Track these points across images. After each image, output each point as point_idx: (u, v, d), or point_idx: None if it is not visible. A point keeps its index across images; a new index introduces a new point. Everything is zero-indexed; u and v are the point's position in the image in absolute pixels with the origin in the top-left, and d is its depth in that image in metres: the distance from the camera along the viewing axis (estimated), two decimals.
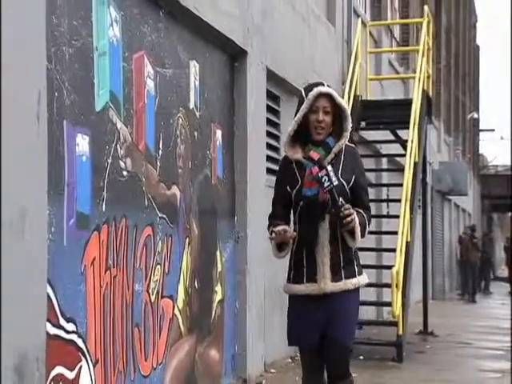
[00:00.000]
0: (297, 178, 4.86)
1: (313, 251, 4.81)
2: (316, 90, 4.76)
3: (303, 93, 4.85)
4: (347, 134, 4.85)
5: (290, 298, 5.01)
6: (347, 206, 4.68)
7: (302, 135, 4.87)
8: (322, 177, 4.62)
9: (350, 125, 4.85)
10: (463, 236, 27.59)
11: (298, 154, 4.88)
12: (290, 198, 4.89)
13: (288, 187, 4.89)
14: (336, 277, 4.80)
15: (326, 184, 4.61)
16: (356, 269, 4.94)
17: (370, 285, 12.77)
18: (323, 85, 4.84)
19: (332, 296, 4.80)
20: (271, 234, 4.83)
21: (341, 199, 4.68)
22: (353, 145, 5.11)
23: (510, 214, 52.41)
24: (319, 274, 4.79)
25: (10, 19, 4.48)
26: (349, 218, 4.66)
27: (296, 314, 4.94)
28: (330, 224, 4.79)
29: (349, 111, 4.91)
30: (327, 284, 4.78)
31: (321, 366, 4.96)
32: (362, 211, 4.88)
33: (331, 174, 4.61)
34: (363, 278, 4.97)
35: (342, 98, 12.21)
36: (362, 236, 4.86)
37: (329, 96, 4.78)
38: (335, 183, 4.62)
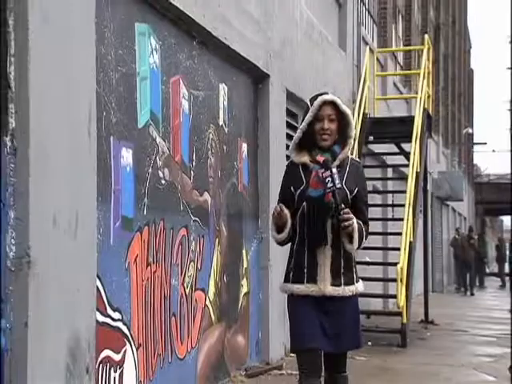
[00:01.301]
0: (302, 180, 4.42)
1: (314, 253, 4.37)
2: (320, 99, 4.37)
3: (309, 102, 4.47)
4: (351, 141, 4.47)
5: (289, 301, 4.50)
6: (347, 210, 4.26)
7: (308, 143, 4.46)
8: (326, 177, 4.24)
9: (353, 131, 4.45)
10: (457, 237, 27.39)
11: (304, 157, 4.46)
12: (293, 199, 4.42)
13: (292, 188, 4.43)
14: (336, 281, 4.35)
15: (329, 185, 4.22)
16: (355, 276, 4.47)
17: (377, 279, 12.87)
18: (327, 94, 4.45)
19: (332, 301, 4.35)
20: (273, 212, 4.39)
21: (342, 205, 4.26)
22: (358, 159, 4.77)
23: (500, 217, 52.03)
24: (320, 276, 4.34)
25: (69, 51, 4.53)
26: (346, 223, 4.24)
27: (298, 316, 4.43)
28: (333, 228, 4.34)
29: (352, 117, 4.49)
30: (327, 287, 4.33)
31: (319, 369, 4.40)
32: (361, 222, 4.40)
33: (335, 176, 4.22)
34: (360, 286, 4.48)
35: (353, 115, 12.23)
36: (359, 245, 4.39)
37: (333, 104, 4.38)
38: (338, 186, 4.21)
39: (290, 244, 4.58)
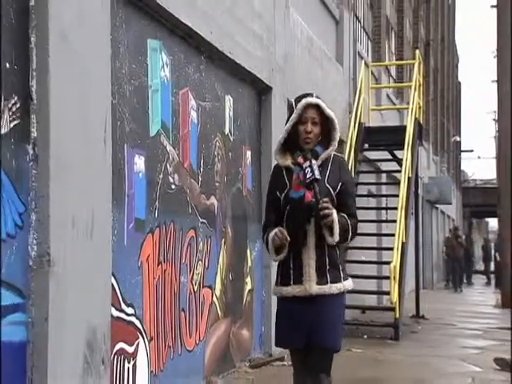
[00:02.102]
0: (286, 183, 4.10)
1: (299, 254, 4.04)
2: (304, 101, 4.06)
3: (293, 103, 4.13)
4: (335, 143, 4.12)
5: (278, 302, 4.25)
6: (326, 199, 3.91)
7: (292, 144, 4.13)
8: (305, 168, 3.91)
9: (337, 134, 4.12)
10: (450, 237, 27.35)
11: (287, 161, 4.13)
12: (280, 203, 4.13)
13: (278, 192, 4.13)
14: (321, 280, 4.02)
15: (308, 175, 3.89)
16: (341, 274, 4.10)
17: (372, 277, 12.87)
18: (312, 96, 4.11)
19: (317, 299, 4.02)
20: (273, 237, 4.04)
21: (319, 196, 3.91)
22: (341, 154, 4.37)
23: (486, 219, 52.02)
24: (305, 276, 4.02)
25: (87, 65, 4.54)
26: (326, 211, 3.88)
27: (283, 316, 4.15)
28: (316, 228, 4.00)
29: (336, 121, 4.14)
30: (312, 286, 4.01)
31: (308, 367, 4.13)
32: (345, 216, 4.05)
33: (314, 167, 3.90)
34: (348, 284, 4.14)
35: (349, 125, 12.24)
36: (342, 239, 4.04)
37: (317, 107, 4.06)
38: (317, 177, 3.88)
39: None
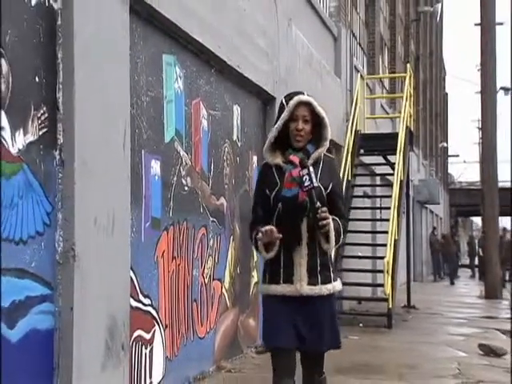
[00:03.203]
0: (276, 181, 3.67)
1: (290, 253, 3.63)
2: (296, 99, 3.65)
3: (283, 100, 3.71)
4: (326, 143, 3.73)
5: (265, 300, 3.75)
6: (324, 208, 3.55)
7: (282, 142, 3.72)
8: (304, 176, 3.53)
9: (329, 133, 3.74)
10: (446, 234, 27.09)
11: (277, 159, 3.71)
12: (269, 201, 3.69)
13: (267, 190, 3.69)
14: (312, 280, 3.62)
15: (306, 183, 3.52)
16: (332, 275, 3.71)
17: (367, 270, 12.85)
18: (303, 94, 3.72)
19: (308, 300, 3.61)
20: (257, 235, 3.64)
21: (318, 203, 3.54)
22: (331, 155, 3.92)
23: (470, 218, 51.92)
24: (296, 276, 3.60)
25: (108, 78, 4.55)
26: (324, 222, 3.54)
27: (273, 315, 3.67)
28: (308, 227, 3.61)
29: (327, 120, 3.75)
30: (303, 286, 3.60)
31: (293, 370, 3.65)
32: (337, 219, 3.68)
33: (312, 174, 3.54)
34: (338, 284, 3.74)
35: (346, 132, 12.24)
36: (337, 242, 3.68)
37: (308, 105, 3.68)
38: (316, 184, 3.53)
39: None
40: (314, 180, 3.54)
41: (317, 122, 3.73)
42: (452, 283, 24.24)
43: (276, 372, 3.64)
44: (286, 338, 3.59)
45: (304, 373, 3.73)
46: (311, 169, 3.57)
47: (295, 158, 3.63)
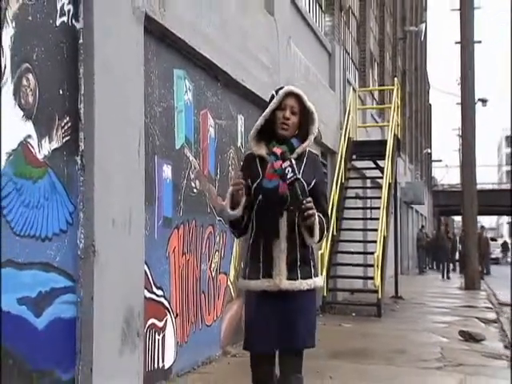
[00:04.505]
0: (258, 172, 3.30)
1: (270, 246, 3.22)
2: (286, 88, 3.33)
3: (274, 92, 3.39)
4: (312, 138, 3.34)
5: (246, 297, 3.42)
6: (309, 199, 3.15)
7: (268, 133, 3.34)
8: (286, 167, 3.16)
9: (315, 128, 3.35)
10: (439, 232, 26.88)
11: (261, 150, 3.33)
12: (250, 192, 3.30)
13: (249, 181, 3.30)
14: (292, 275, 3.21)
15: (289, 175, 3.14)
16: (312, 270, 3.30)
17: (359, 265, 12.84)
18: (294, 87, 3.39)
19: (288, 295, 3.20)
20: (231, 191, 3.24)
21: (300, 196, 3.14)
22: (316, 152, 3.54)
23: (452, 217, 51.93)
24: (275, 270, 3.20)
25: (124, 90, 4.56)
26: (310, 212, 3.13)
27: (253, 318, 3.29)
28: (288, 220, 3.21)
29: (316, 115, 3.37)
30: (282, 281, 3.19)
31: (272, 374, 3.31)
32: (320, 215, 3.26)
33: (295, 166, 3.17)
34: (319, 280, 3.32)
35: (340, 139, 12.23)
36: (320, 238, 3.27)
37: (298, 97, 3.32)
38: (299, 176, 3.17)
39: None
40: (297, 172, 3.18)
41: (305, 118, 3.36)
42: (448, 277, 23.41)
43: (255, 377, 3.30)
44: (267, 345, 3.22)
45: (281, 372, 3.29)
46: (293, 161, 3.19)
47: (278, 150, 3.26)
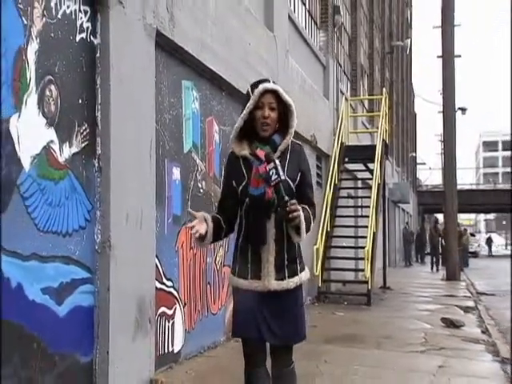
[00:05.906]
0: (243, 175, 2.97)
1: (258, 249, 2.97)
2: (262, 87, 2.95)
3: (249, 89, 3.00)
4: (292, 131, 3.00)
5: (234, 291, 3.12)
6: (293, 201, 2.84)
7: (249, 132, 3.00)
8: (270, 169, 2.83)
9: (295, 121, 3.03)
10: (432, 229, 26.72)
11: (244, 151, 2.99)
12: (237, 194, 2.99)
13: (234, 182, 3.00)
14: (280, 275, 2.96)
15: (273, 177, 2.82)
16: (298, 267, 3.05)
17: (350, 258, 12.84)
18: (269, 81, 3.03)
19: (275, 294, 2.96)
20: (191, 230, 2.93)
21: (286, 197, 2.83)
22: (299, 142, 3.13)
23: (435, 214, 51.94)
24: (264, 272, 2.95)
25: (137, 100, 4.56)
26: (295, 213, 2.83)
27: (242, 308, 3.05)
28: (276, 223, 2.93)
29: (294, 107, 3.04)
30: (271, 282, 2.94)
31: (263, 360, 3.08)
32: (306, 207, 3.00)
33: (279, 167, 2.84)
34: (305, 274, 3.07)
35: (333, 144, 12.23)
36: (307, 231, 2.96)
37: (275, 93, 2.98)
38: (282, 177, 2.83)
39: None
40: (281, 173, 2.85)
41: (283, 111, 3.03)
42: (437, 270, 23.22)
43: (247, 361, 3.09)
44: (255, 330, 2.98)
45: (273, 364, 3.10)
46: (277, 162, 2.87)
47: (261, 153, 2.93)
